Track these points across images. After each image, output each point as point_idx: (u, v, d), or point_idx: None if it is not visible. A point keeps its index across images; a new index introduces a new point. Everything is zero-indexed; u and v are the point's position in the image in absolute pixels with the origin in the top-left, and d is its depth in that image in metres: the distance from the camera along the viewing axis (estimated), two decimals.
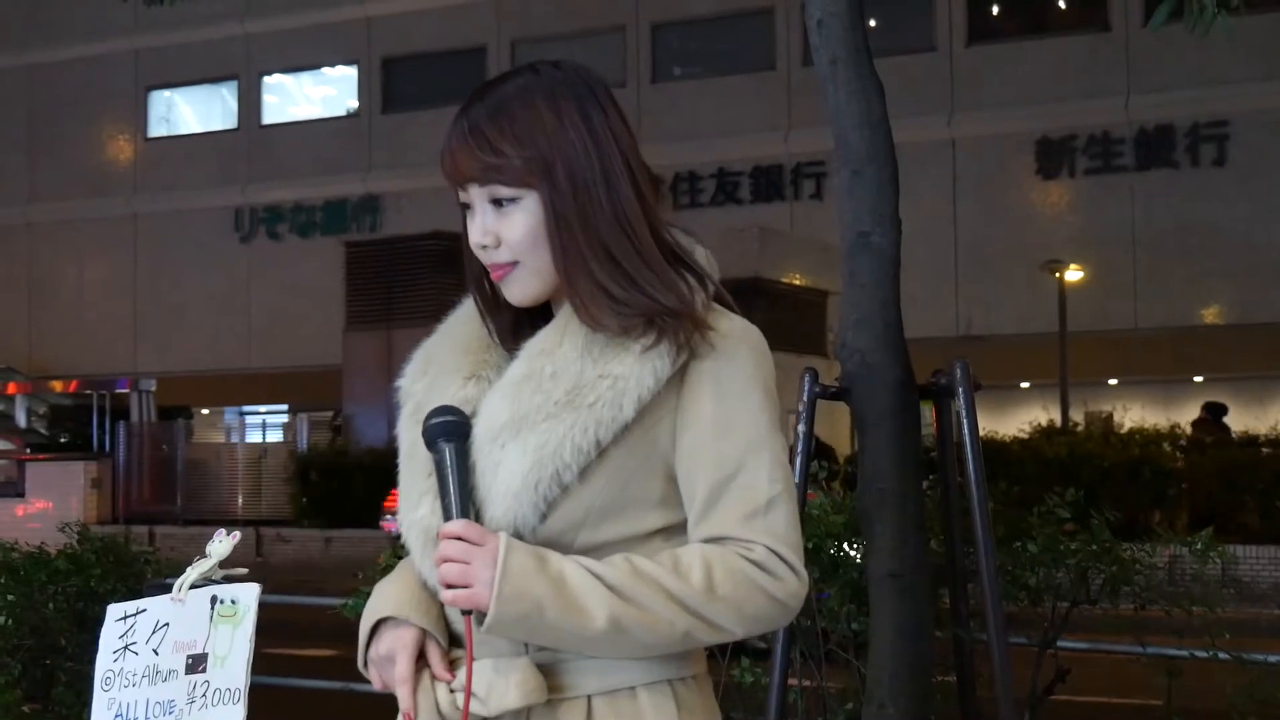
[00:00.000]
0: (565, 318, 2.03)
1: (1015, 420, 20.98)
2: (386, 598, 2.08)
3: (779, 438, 1.99)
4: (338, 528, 22.20)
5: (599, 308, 1.98)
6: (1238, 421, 20.39)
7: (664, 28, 29.95)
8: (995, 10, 28.02)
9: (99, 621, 2.49)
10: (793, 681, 4.47)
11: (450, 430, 2.01)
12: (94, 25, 33.77)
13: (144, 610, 2.44)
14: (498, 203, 2.03)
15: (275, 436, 28.94)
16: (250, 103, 33.84)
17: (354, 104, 33.06)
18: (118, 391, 26.70)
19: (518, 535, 1.95)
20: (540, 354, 2.01)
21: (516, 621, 1.90)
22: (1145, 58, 25.33)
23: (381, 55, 32.28)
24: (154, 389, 26.71)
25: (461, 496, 1.98)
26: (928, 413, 4.41)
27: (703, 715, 2.04)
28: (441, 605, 2.04)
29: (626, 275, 1.99)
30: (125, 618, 2.46)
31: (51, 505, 23.68)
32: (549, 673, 1.98)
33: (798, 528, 1.99)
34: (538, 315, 2.10)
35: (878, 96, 4.38)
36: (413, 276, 24.55)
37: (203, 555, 2.44)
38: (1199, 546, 4.62)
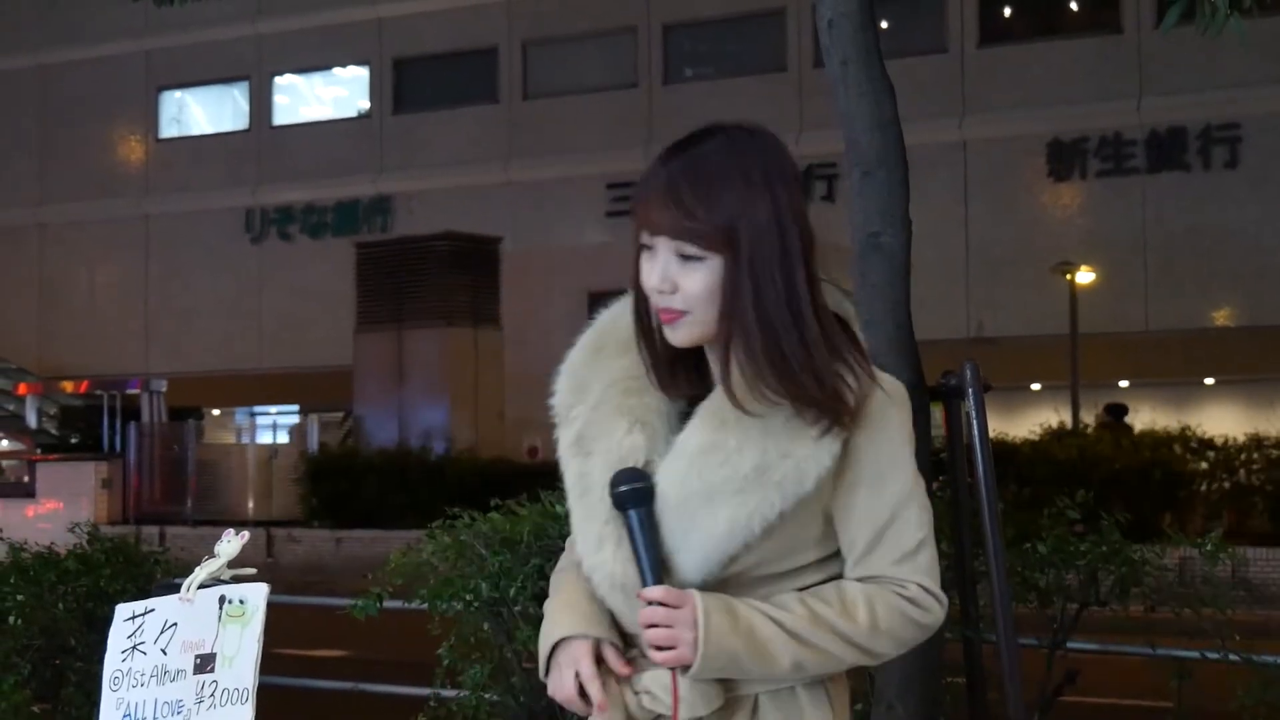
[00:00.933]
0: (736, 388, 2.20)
1: (1026, 422, 20.93)
2: (559, 621, 2.29)
3: (921, 484, 2.26)
4: (348, 528, 22.18)
5: (744, 389, 2.17)
6: (1247, 423, 20.33)
7: (675, 29, 29.93)
8: (1006, 12, 27.97)
9: (108, 622, 2.49)
10: None
11: (641, 498, 2.21)
12: (105, 26, 33.81)
13: (152, 610, 2.44)
14: (683, 256, 2.19)
15: (286, 437, 28.94)
16: (261, 103, 33.86)
17: (365, 104, 33.07)
18: (128, 392, 26.70)
19: (698, 585, 2.18)
20: (721, 426, 2.19)
21: (716, 672, 2.18)
22: (1157, 60, 25.28)
23: (393, 56, 32.28)
24: (165, 390, 26.72)
25: (653, 559, 2.20)
26: (938, 414, 4.41)
27: (843, 709, 2.32)
28: (610, 612, 2.28)
29: (786, 366, 2.16)
30: (134, 618, 2.46)
31: (62, 505, 23.70)
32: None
33: (937, 561, 2.27)
34: (689, 353, 2.28)
35: (888, 98, 4.38)
36: (424, 277, 24.55)
37: (211, 555, 2.44)
38: (1209, 548, 4.61)
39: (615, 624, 2.29)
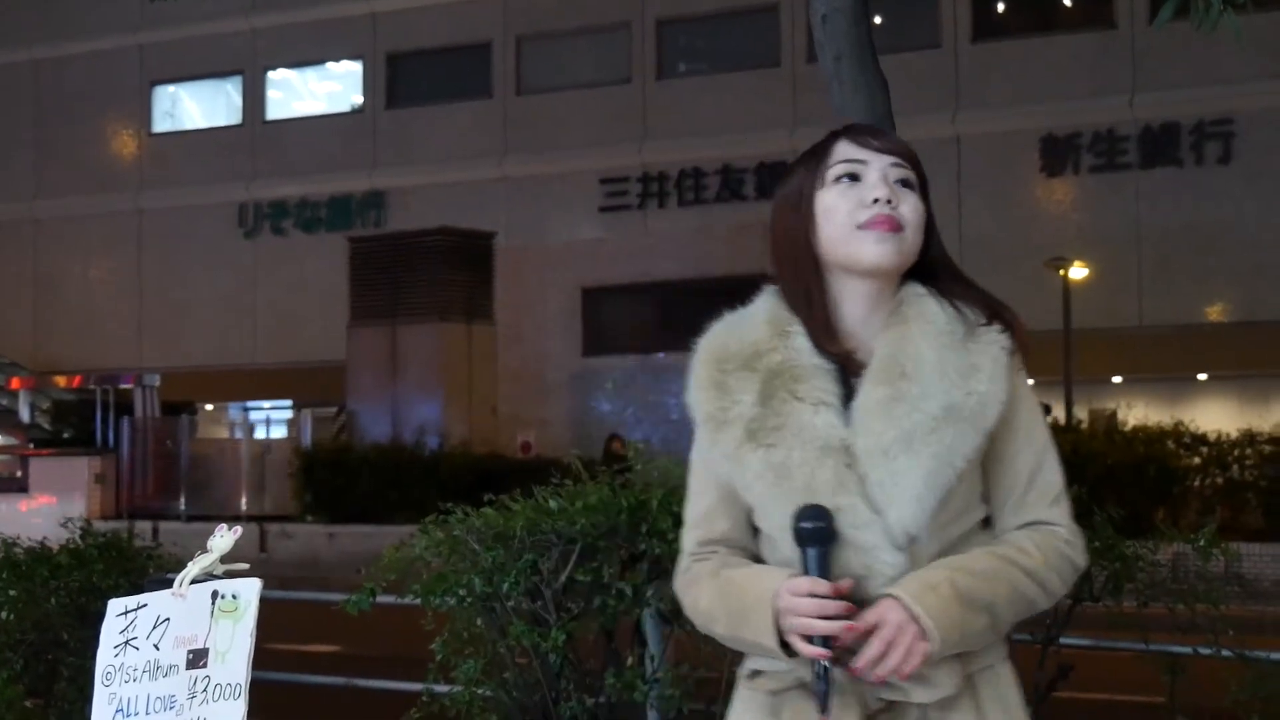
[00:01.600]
0: (896, 343, 2.36)
1: None
2: (766, 575, 2.36)
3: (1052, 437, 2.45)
4: (341, 523, 22.18)
5: (958, 295, 2.43)
6: (1241, 419, 20.36)
7: (669, 24, 29.92)
8: (1000, 7, 27.98)
9: (101, 617, 2.49)
10: None
11: (822, 538, 2.27)
12: (99, 21, 33.79)
13: (145, 605, 2.43)
14: (901, 182, 2.44)
15: (280, 432, 28.92)
16: (255, 98, 33.83)
17: (359, 99, 33.05)
18: (122, 387, 26.70)
19: (915, 537, 2.28)
20: (900, 378, 2.33)
21: (953, 645, 2.26)
22: (1150, 55, 25.30)
23: (386, 51, 32.26)
24: (158, 384, 26.72)
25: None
26: None
27: (1017, 690, 2.45)
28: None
29: (965, 278, 2.48)
30: (126, 613, 2.45)
31: (55, 500, 23.68)
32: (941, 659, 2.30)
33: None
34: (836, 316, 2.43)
35: (882, 93, 4.38)
36: (418, 272, 24.55)
37: (204, 550, 2.43)
38: (1202, 543, 4.61)
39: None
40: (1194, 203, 25.53)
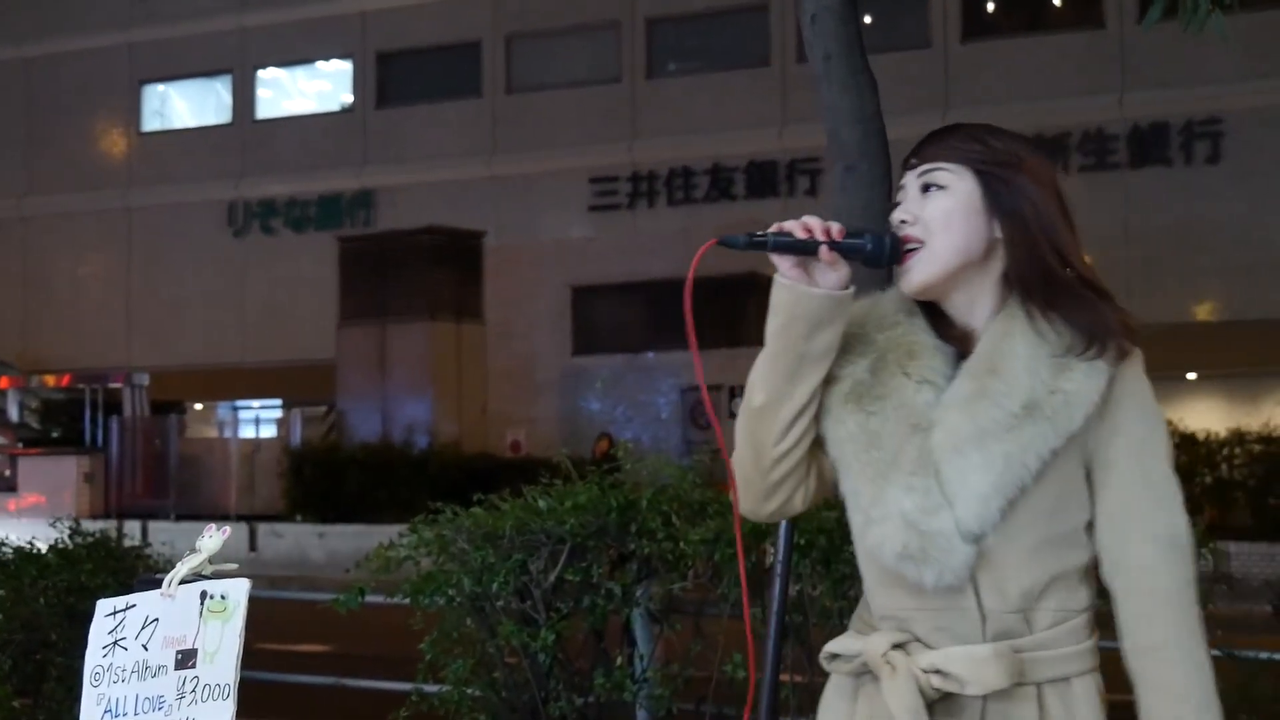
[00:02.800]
0: (997, 339, 2.34)
1: None
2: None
3: (1170, 444, 2.39)
4: (330, 523, 22.17)
5: (1024, 320, 2.34)
6: (1229, 419, 20.40)
7: (659, 23, 29.92)
8: (990, 7, 28.01)
9: (90, 616, 2.48)
10: (785, 678, 4.47)
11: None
12: (88, 19, 33.74)
13: (133, 606, 2.43)
14: (925, 188, 2.46)
15: (269, 431, 28.91)
16: (244, 97, 33.78)
17: (348, 98, 33.01)
18: (111, 386, 26.67)
19: (980, 534, 2.26)
20: (988, 373, 2.31)
21: None
22: (1139, 55, 25.33)
23: (376, 49, 32.22)
24: (147, 383, 26.69)
25: None
26: None
27: (1103, 699, 2.43)
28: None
29: (1066, 295, 2.39)
30: (114, 613, 2.45)
31: (43, 499, 23.67)
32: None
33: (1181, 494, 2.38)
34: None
35: (871, 92, 4.38)
36: (407, 271, 24.53)
37: (193, 551, 2.43)
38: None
39: (902, 622, 2.35)
40: (1183, 202, 25.57)
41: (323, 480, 22.71)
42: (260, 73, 33.77)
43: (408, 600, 4.84)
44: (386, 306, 24.53)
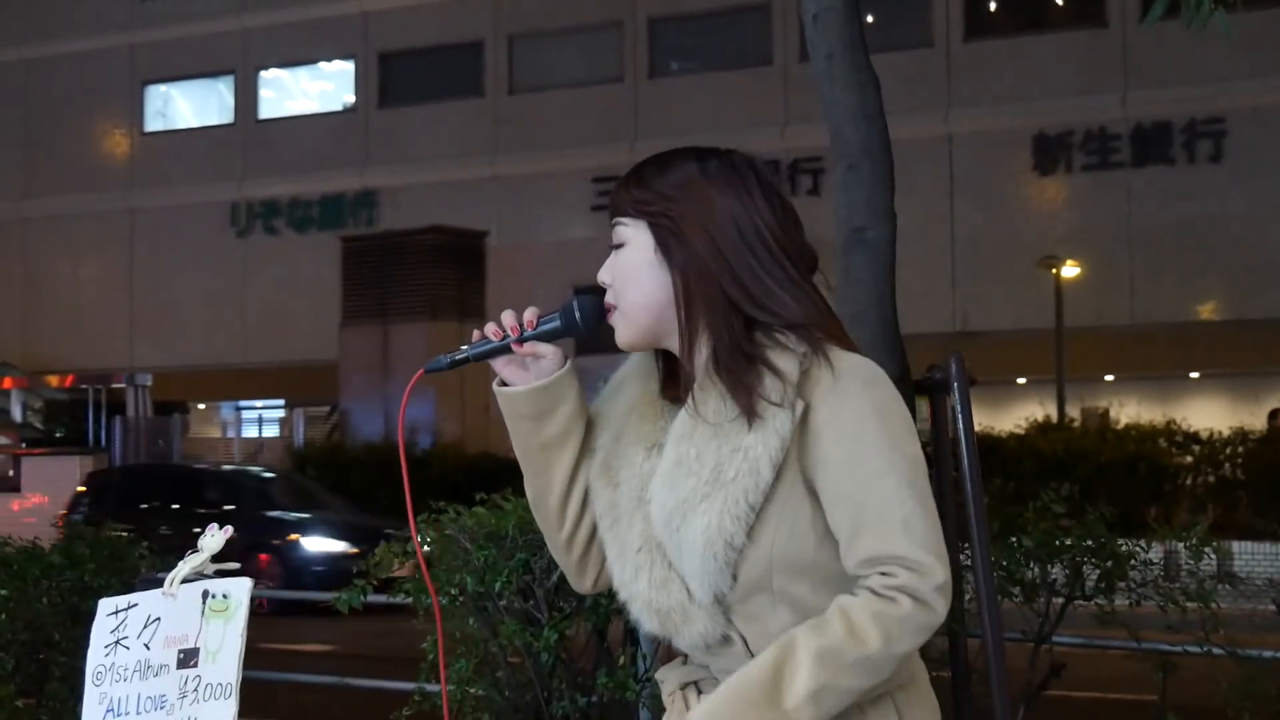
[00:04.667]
0: (697, 396, 2.20)
1: (1012, 416, 20.97)
2: None
3: (900, 454, 2.12)
4: None
5: (699, 388, 2.21)
6: (1232, 417, 20.40)
7: (661, 23, 29.93)
8: (992, 6, 28.01)
9: (93, 616, 2.48)
10: None
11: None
12: (90, 20, 33.76)
13: (135, 605, 2.43)
14: (615, 247, 2.35)
15: (271, 431, 28.91)
16: (246, 97, 33.80)
17: (350, 99, 33.04)
18: (114, 386, 26.66)
19: (718, 599, 2.17)
20: (683, 439, 2.20)
21: None
22: (1142, 54, 25.33)
23: (378, 50, 32.25)
24: (150, 384, 26.66)
25: None
26: (923, 408, 4.40)
27: (926, 714, 2.24)
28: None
29: (715, 354, 2.20)
30: (116, 612, 2.45)
31: (47, 500, 23.63)
32: None
33: (935, 528, 2.11)
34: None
35: (873, 91, 4.38)
36: (409, 271, 24.55)
37: (195, 550, 2.43)
38: (1194, 542, 4.61)
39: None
40: (1186, 201, 25.56)
41: (325, 480, 22.70)
42: (262, 73, 33.81)
43: (409, 599, 4.84)
44: (389, 306, 24.55)
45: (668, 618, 2.22)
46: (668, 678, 2.35)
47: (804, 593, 2.16)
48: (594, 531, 2.35)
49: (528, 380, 2.33)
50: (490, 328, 2.34)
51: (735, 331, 2.18)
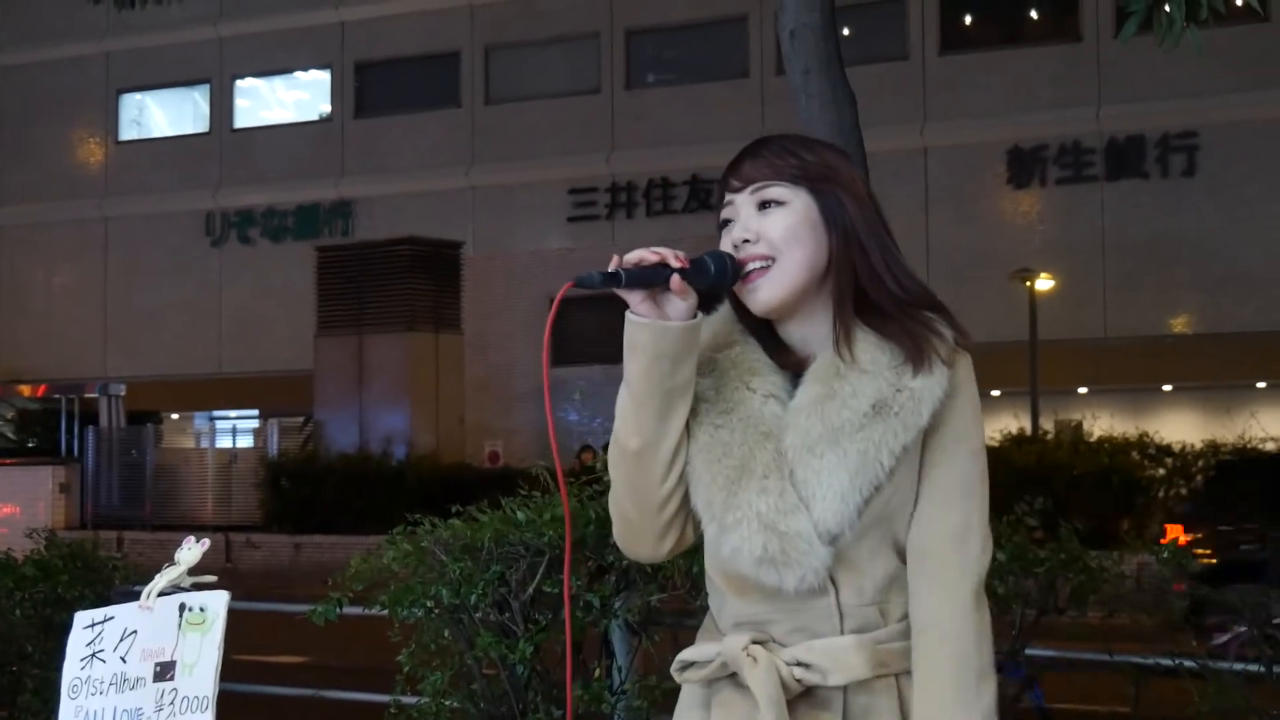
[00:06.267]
0: (844, 346, 2.36)
1: (986, 428, 21.00)
2: None
3: (984, 456, 2.41)
4: (308, 534, 22.12)
5: (854, 340, 2.35)
6: (1205, 430, 20.49)
7: (638, 34, 29.96)
8: (968, 20, 28.11)
9: (67, 628, 2.48)
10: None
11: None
12: (65, 27, 33.63)
13: (112, 618, 2.43)
14: (762, 205, 2.42)
15: (245, 442, 28.83)
16: (222, 106, 33.73)
17: (327, 108, 32.99)
18: (87, 396, 26.58)
19: (839, 534, 2.28)
20: (834, 377, 2.32)
21: None
22: (1116, 69, 25.45)
23: (354, 59, 32.21)
24: (123, 393, 26.61)
25: None
26: None
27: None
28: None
29: (887, 311, 2.37)
30: (93, 625, 2.45)
31: (19, 510, 23.57)
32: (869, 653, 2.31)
33: (986, 516, 2.39)
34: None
35: (850, 106, 4.40)
36: (384, 282, 24.50)
37: (171, 562, 2.43)
38: (1166, 555, 4.64)
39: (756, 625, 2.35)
40: (1159, 215, 25.68)
41: (299, 491, 22.66)
42: (238, 82, 33.74)
43: (385, 611, 4.84)
44: (364, 317, 24.50)
45: (787, 544, 2.26)
46: (719, 648, 2.35)
47: (892, 553, 2.32)
48: (687, 491, 2.35)
49: (662, 319, 2.29)
50: (642, 252, 2.29)
51: (893, 292, 2.37)
